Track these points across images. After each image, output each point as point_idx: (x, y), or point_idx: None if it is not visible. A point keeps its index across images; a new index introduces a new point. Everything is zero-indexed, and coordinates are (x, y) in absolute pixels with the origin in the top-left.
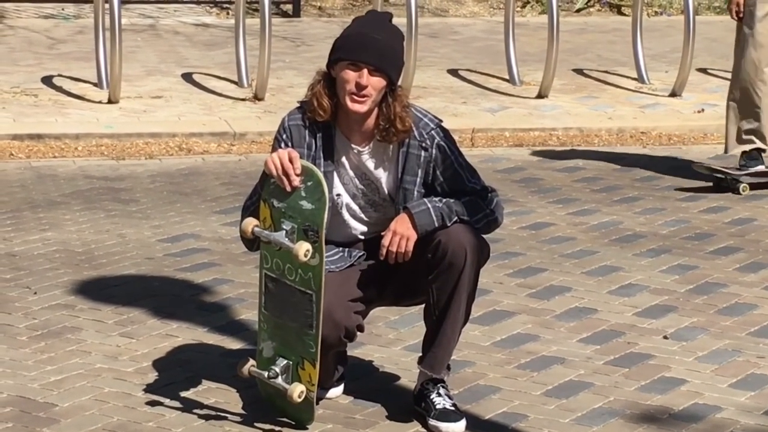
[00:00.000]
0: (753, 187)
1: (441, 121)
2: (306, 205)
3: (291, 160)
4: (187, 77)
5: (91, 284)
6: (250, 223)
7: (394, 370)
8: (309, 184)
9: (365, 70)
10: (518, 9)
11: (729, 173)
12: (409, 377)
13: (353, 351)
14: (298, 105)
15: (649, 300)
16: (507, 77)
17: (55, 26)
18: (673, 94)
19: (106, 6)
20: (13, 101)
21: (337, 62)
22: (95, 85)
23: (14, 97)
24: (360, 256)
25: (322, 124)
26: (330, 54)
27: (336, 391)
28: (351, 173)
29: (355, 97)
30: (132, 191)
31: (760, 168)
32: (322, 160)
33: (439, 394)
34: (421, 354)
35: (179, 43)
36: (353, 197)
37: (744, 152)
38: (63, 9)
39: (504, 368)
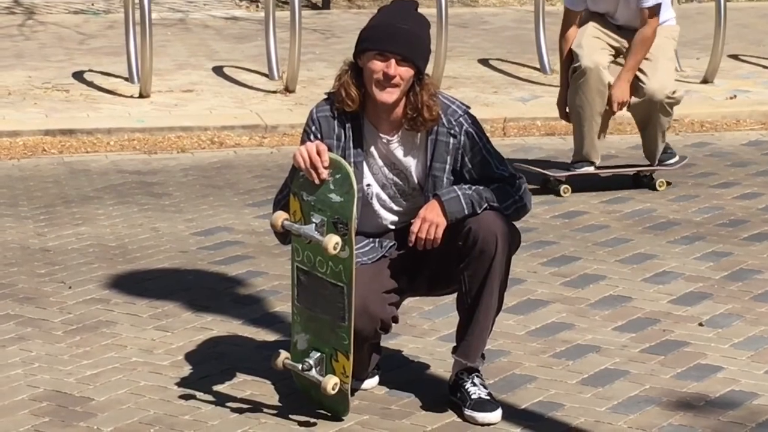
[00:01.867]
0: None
1: (469, 107)
2: (335, 197)
3: (319, 153)
4: (218, 71)
5: (126, 278)
6: (280, 216)
7: (428, 360)
8: (337, 176)
9: (393, 60)
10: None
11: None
12: (444, 367)
13: (388, 342)
14: (326, 96)
15: (684, 287)
16: (538, 66)
17: (85, 21)
18: (704, 81)
19: (136, 1)
20: (44, 97)
21: (364, 52)
22: (126, 79)
23: (46, 93)
24: (391, 246)
25: (350, 114)
26: (357, 44)
27: (371, 382)
28: (380, 163)
29: (384, 87)
30: (164, 185)
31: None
32: (351, 150)
33: (474, 384)
34: (455, 344)
35: (209, 37)
36: (383, 187)
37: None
38: (93, 4)
39: (539, 357)
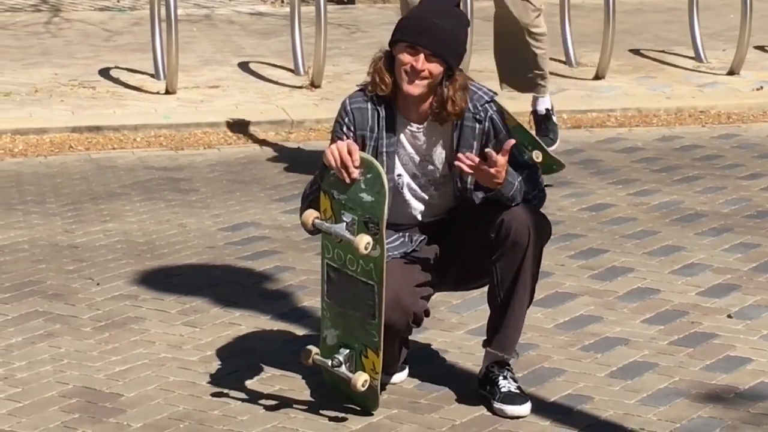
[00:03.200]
0: None
1: (495, 94)
2: (366, 197)
3: (350, 153)
4: (244, 66)
5: (154, 274)
6: (311, 215)
7: (457, 354)
8: (368, 176)
9: (422, 55)
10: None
11: None
12: (473, 361)
13: (416, 336)
14: (359, 88)
15: (712, 279)
16: (563, 59)
17: (111, 18)
18: (731, 72)
19: None
20: (71, 94)
21: (396, 42)
22: (152, 76)
23: (72, 90)
24: (421, 240)
25: (383, 105)
26: (392, 33)
27: (400, 376)
28: (411, 152)
29: (411, 80)
30: (191, 181)
31: None
32: (384, 140)
33: (504, 377)
34: (485, 337)
35: (235, 33)
36: (413, 176)
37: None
38: (118, 1)
39: (568, 350)
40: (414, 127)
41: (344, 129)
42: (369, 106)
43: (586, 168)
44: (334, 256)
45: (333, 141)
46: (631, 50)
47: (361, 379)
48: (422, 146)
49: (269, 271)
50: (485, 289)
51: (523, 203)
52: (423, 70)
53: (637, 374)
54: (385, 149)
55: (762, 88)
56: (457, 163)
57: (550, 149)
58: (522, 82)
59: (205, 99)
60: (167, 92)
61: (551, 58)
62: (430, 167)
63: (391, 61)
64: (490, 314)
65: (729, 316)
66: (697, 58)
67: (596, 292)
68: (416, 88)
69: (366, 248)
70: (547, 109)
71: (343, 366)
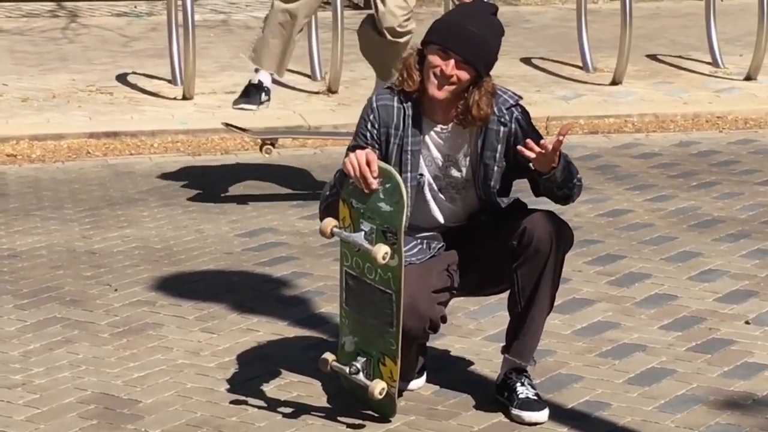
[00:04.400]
0: None
1: (520, 98)
2: (384, 207)
3: (368, 164)
4: None
5: (171, 280)
6: (329, 223)
7: (475, 360)
8: (387, 186)
9: (453, 60)
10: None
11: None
12: (491, 367)
13: (434, 342)
14: (386, 87)
15: (730, 285)
16: (580, 64)
17: (128, 24)
18: (748, 78)
19: (179, 3)
20: (88, 100)
21: (428, 44)
22: (169, 81)
23: (89, 96)
24: (440, 248)
25: (410, 103)
26: (426, 33)
27: (418, 383)
28: (434, 153)
29: (438, 84)
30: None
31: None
32: (409, 138)
33: (522, 384)
34: (504, 344)
35: (252, 38)
36: (435, 178)
37: None
38: (135, 7)
39: (585, 356)
40: (439, 128)
41: (368, 126)
42: (395, 103)
43: (603, 174)
44: (353, 264)
45: (356, 136)
46: (648, 55)
47: (378, 387)
48: (446, 148)
49: (287, 277)
50: (503, 295)
51: (547, 210)
52: (452, 76)
53: (655, 381)
54: (410, 147)
55: None
56: (520, 148)
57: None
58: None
59: (222, 105)
60: (184, 98)
61: (568, 64)
62: (453, 170)
63: (421, 59)
64: (509, 321)
65: (747, 323)
66: (714, 63)
67: (614, 298)
68: (442, 93)
69: (384, 258)
70: None
71: (361, 373)
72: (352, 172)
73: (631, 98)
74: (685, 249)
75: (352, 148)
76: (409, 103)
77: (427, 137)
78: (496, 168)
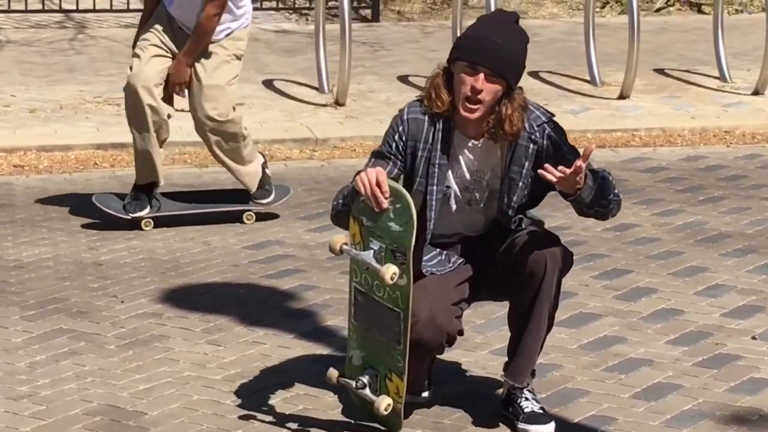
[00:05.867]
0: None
1: (553, 115)
2: (394, 227)
3: (379, 183)
4: (268, 84)
5: (178, 292)
6: (339, 241)
7: (481, 374)
8: (398, 206)
9: (482, 74)
10: (598, 9)
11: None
12: (497, 381)
13: (440, 356)
14: (417, 99)
15: (737, 300)
16: (588, 78)
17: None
18: (755, 92)
19: None
20: (96, 111)
21: (455, 61)
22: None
23: (97, 107)
24: (459, 263)
25: (441, 117)
26: (451, 51)
27: (424, 396)
28: (464, 167)
29: (469, 105)
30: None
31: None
32: (438, 152)
33: (527, 399)
34: (507, 360)
35: (259, 50)
36: (463, 190)
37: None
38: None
39: (592, 371)
40: (470, 143)
41: (395, 137)
42: (426, 117)
43: None
44: (362, 280)
45: (383, 144)
46: (655, 70)
47: (384, 403)
48: (475, 162)
49: (293, 290)
50: (507, 309)
51: (545, 233)
52: (481, 91)
53: (661, 396)
54: (437, 161)
55: None
56: (541, 172)
57: (267, 200)
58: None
59: None
60: None
61: (576, 78)
62: (481, 183)
63: (449, 78)
64: (510, 337)
65: (753, 338)
66: (722, 77)
67: (620, 312)
68: (473, 114)
69: (392, 279)
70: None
71: (367, 388)
72: (362, 190)
73: (638, 112)
74: (692, 264)
75: (375, 154)
76: (440, 118)
77: (457, 151)
78: (521, 184)
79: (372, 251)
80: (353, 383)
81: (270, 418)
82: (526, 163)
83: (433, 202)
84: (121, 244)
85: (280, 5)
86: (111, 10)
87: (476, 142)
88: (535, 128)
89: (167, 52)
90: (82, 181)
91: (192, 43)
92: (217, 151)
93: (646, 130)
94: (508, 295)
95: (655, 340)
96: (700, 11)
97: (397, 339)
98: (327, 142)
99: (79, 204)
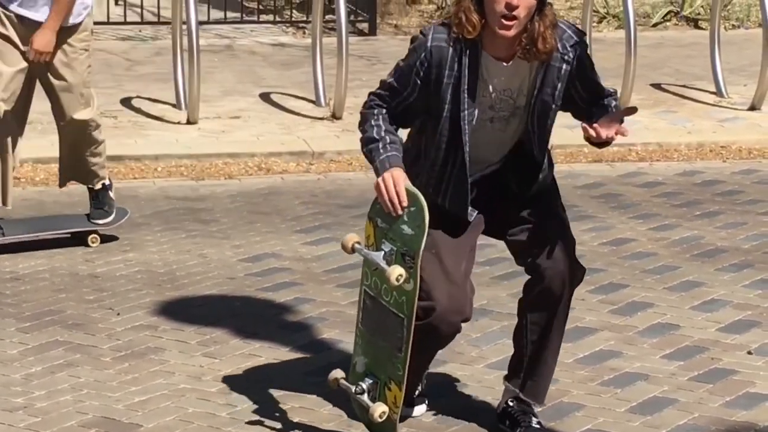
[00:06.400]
0: None
1: (584, 34)
2: (406, 229)
3: (398, 193)
4: (265, 97)
5: (174, 305)
6: (352, 239)
7: (477, 387)
8: (412, 209)
9: None
10: (595, 24)
11: None
12: (493, 395)
13: (436, 368)
14: (441, 23)
15: (733, 315)
16: None
17: (133, 48)
18: (752, 108)
19: (184, 27)
20: None
21: None
22: (174, 106)
23: None
24: (474, 215)
25: (468, 42)
26: None
27: (420, 409)
28: (491, 89)
29: (504, 22)
30: (212, 211)
31: None
32: (465, 77)
33: (524, 412)
34: (506, 372)
35: (256, 63)
36: (490, 108)
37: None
38: (140, 31)
39: (588, 385)
40: (500, 65)
41: (417, 64)
42: (451, 45)
43: (607, 202)
44: (372, 283)
45: (398, 75)
46: (652, 84)
47: (378, 410)
48: (505, 83)
49: (289, 303)
50: (505, 323)
51: (564, 246)
52: (518, 6)
53: (657, 410)
54: (466, 86)
55: None
56: (584, 126)
57: (106, 220)
58: (85, 174)
59: (226, 129)
60: (188, 122)
61: None
62: (509, 100)
63: (478, 2)
64: (515, 353)
65: (749, 353)
66: (719, 93)
67: (616, 326)
68: (510, 31)
69: (398, 280)
70: (103, 184)
71: (366, 395)
72: (381, 197)
73: (635, 127)
74: (688, 278)
75: (384, 86)
76: (468, 43)
77: (485, 73)
78: (553, 106)
79: (383, 252)
80: (353, 388)
81: (265, 431)
82: (559, 85)
83: (466, 126)
84: (117, 256)
85: (278, 18)
86: (108, 23)
87: (506, 64)
88: (568, 48)
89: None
90: (78, 194)
91: (54, 12)
92: (72, 150)
93: (642, 144)
94: (515, 253)
95: (650, 355)
96: (696, 26)
97: (399, 346)
98: (324, 156)
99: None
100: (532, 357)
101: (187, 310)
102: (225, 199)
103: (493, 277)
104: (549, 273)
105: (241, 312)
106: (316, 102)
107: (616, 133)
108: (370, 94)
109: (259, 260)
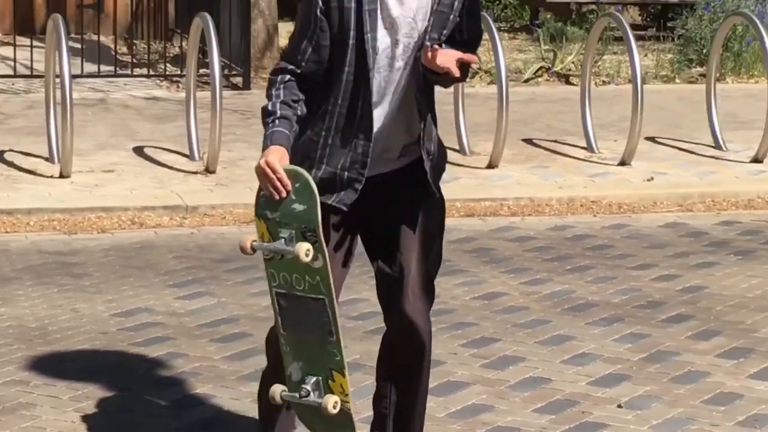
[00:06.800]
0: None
1: None
2: (298, 207)
3: (275, 173)
4: (139, 151)
5: (45, 360)
6: (248, 239)
7: None
8: (297, 186)
9: None
10: (467, 80)
11: None
12: None
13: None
14: None
15: (603, 369)
16: (457, 147)
17: (5, 101)
18: (622, 163)
19: (57, 80)
20: None
21: None
22: (47, 159)
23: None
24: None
25: None
26: None
27: None
28: (393, 12)
29: None
30: (85, 265)
31: None
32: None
33: None
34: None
35: (130, 117)
36: (394, 43)
37: None
38: (13, 84)
39: None
40: None
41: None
42: None
43: (479, 257)
44: (281, 281)
45: (297, 19)
46: (524, 139)
47: (331, 401)
48: (406, 5)
49: (162, 358)
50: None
51: (422, 298)
52: None
53: None
54: (367, 6)
55: (653, 178)
56: (425, 48)
57: None
58: None
59: (99, 183)
60: (61, 176)
61: (446, 147)
62: (413, 29)
63: None
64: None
65: (619, 406)
66: (589, 148)
67: (488, 380)
68: None
69: (307, 255)
70: None
71: (312, 395)
72: (263, 184)
73: (506, 182)
74: (559, 332)
75: (290, 41)
76: None
77: None
78: (450, 17)
79: (283, 239)
80: (296, 394)
81: None
82: (456, 3)
83: (370, 50)
84: None
85: (152, 72)
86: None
87: None
88: None
89: None
90: None
91: None
92: None
93: (514, 199)
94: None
95: (522, 408)
96: (568, 82)
97: (328, 330)
98: (197, 210)
99: None
100: (396, 402)
101: (59, 365)
102: (98, 253)
103: (366, 332)
104: (407, 333)
105: (114, 367)
106: (189, 156)
107: (458, 62)
108: (281, 55)
109: (131, 315)
